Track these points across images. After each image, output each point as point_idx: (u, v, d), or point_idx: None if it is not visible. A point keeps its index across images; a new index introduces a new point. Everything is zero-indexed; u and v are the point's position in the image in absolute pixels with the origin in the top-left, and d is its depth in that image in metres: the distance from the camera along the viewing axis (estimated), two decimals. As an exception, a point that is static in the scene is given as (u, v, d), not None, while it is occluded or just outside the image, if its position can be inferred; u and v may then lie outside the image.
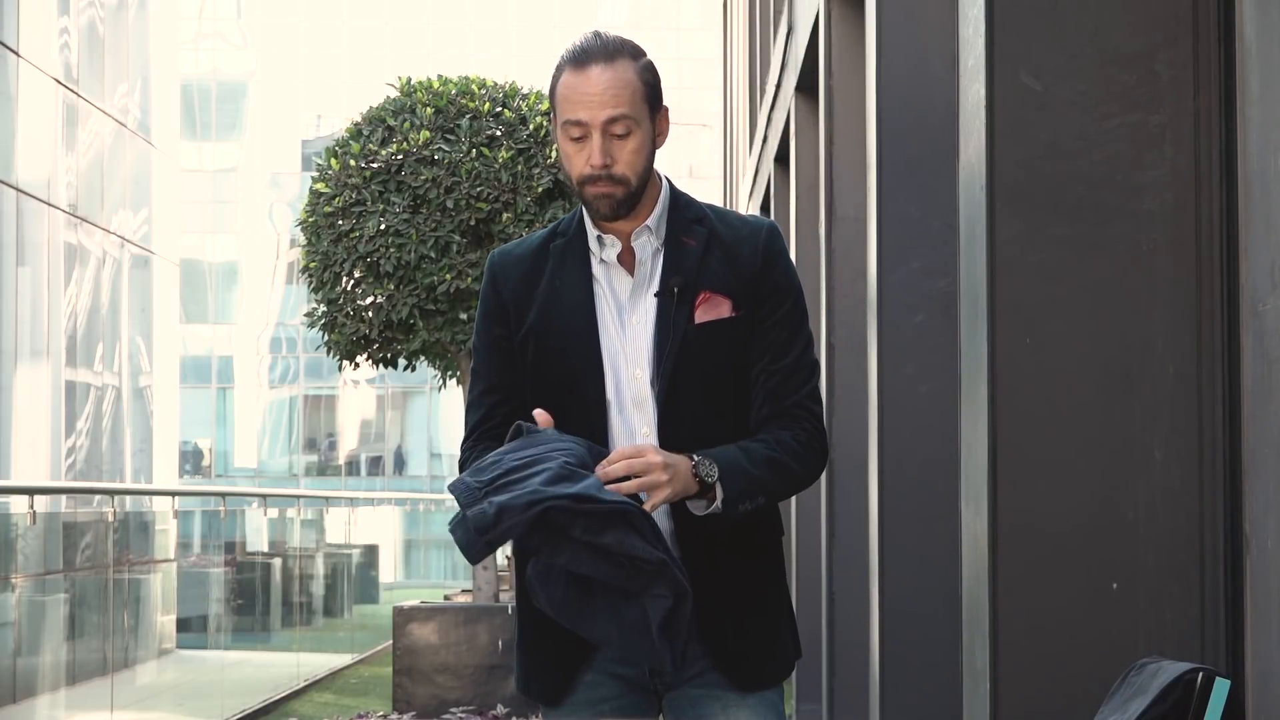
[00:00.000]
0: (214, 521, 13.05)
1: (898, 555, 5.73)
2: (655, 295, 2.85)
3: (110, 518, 10.06)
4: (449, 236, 9.29)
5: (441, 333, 9.47)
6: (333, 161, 9.67)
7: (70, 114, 18.45)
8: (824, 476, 6.99)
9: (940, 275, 5.78)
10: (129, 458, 20.29)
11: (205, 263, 47.80)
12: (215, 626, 12.64)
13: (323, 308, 9.73)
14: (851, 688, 7.12)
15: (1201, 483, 3.41)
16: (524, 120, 9.53)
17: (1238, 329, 3.32)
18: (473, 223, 9.33)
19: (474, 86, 9.73)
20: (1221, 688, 2.53)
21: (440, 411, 48.01)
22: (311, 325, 9.93)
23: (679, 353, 2.82)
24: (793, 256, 3.45)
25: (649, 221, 2.87)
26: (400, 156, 9.43)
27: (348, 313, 9.56)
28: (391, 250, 9.31)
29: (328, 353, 9.98)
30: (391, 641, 9.87)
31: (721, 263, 2.87)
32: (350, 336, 9.63)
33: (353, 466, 49.24)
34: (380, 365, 9.92)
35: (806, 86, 9.38)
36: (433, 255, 9.29)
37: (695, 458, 2.75)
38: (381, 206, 9.37)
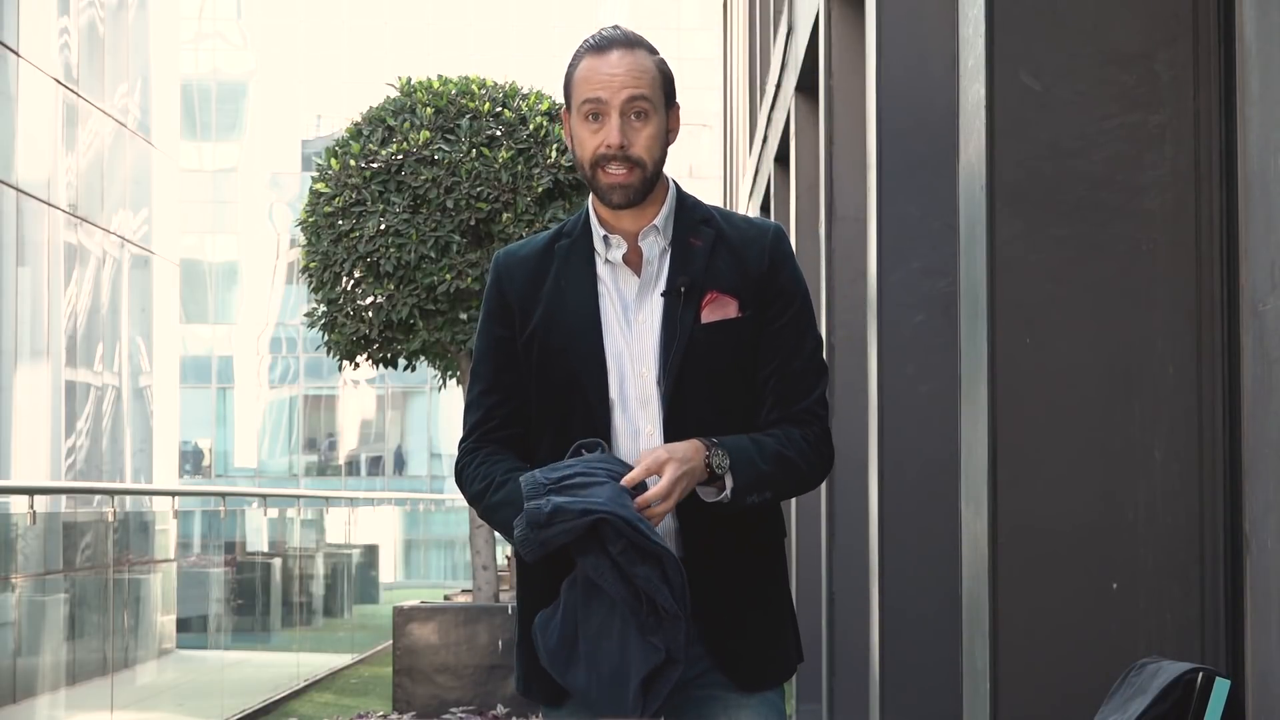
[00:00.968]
0: (214, 521, 13.05)
1: (898, 555, 5.73)
2: (662, 295, 2.85)
3: (110, 518, 10.06)
4: (449, 236, 9.29)
5: (441, 333, 9.47)
6: (333, 161, 9.67)
7: (70, 114, 18.46)
8: (824, 476, 6.98)
9: (940, 275, 5.78)
10: (129, 458, 20.29)
11: (205, 263, 47.80)
12: (215, 626, 12.64)
13: (323, 308, 9.73)
14: (851, 688, 7.12)
15: (1201, 483, 3.41)
16: (524, 120, 9.53)
17: (1238, 329, 3.32)
18: (473, 223, 9.33)
19: (474, 86, 9.72)
20: (1221, 688, 2.53)
21: (440, 411, 48.01)
22: (311, 325, 9.93)
23: (686, 352, 2.83)
24: (793, 256, 3.45)
25: (656, 221, 2.88)
26: (400, 156, 9.43)
27: (348, 313, 9.56)
28: (391, 250, 9.30)
29: (328, 353, 9.97)
30: (391, 641, 9.87)
31: (728, 263, 2.87)
32: (350, 336, 9.62)
33: (353, 466, 49.24)
34: (380, 365, 9.92)
35: (806, 86, 9.38)
36: (433, 255, 9.28)
37: (710, 448, 2.75)
38: (381, 206, 9.37)
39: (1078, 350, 3.46)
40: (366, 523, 19.97)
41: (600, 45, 2.85)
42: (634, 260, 2.89)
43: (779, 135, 11.40)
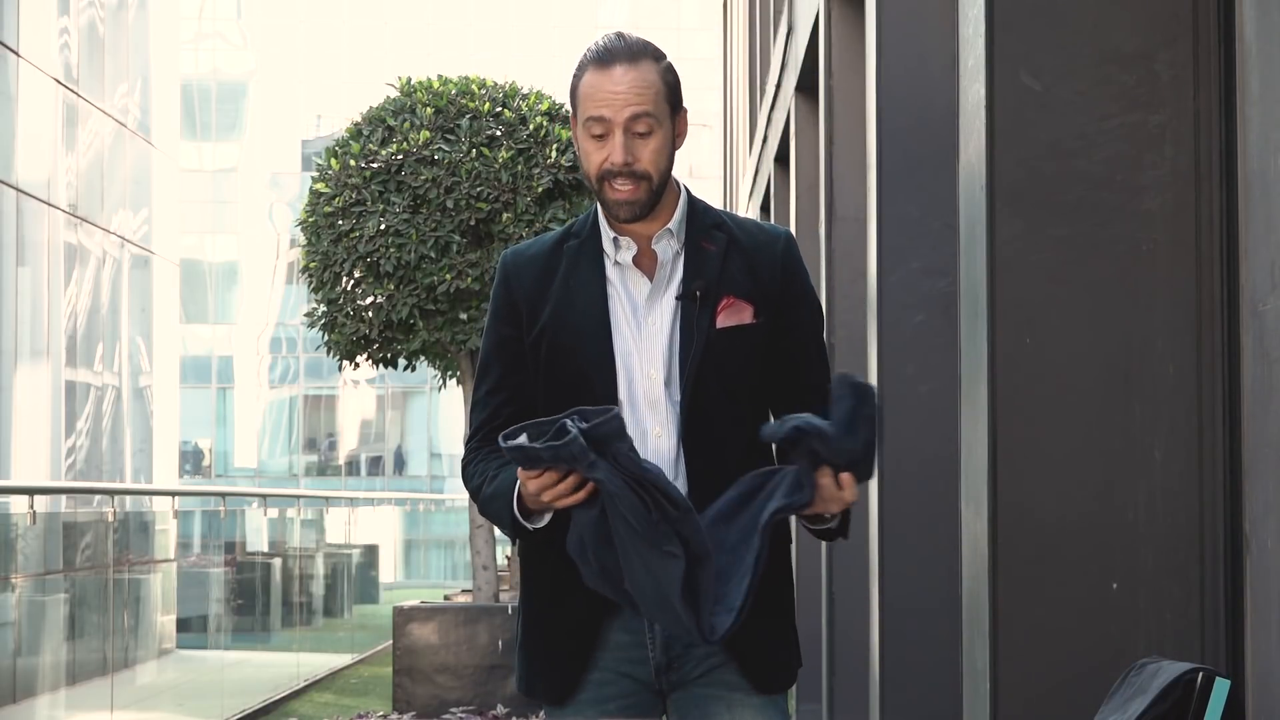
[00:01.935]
0: (214, 521, 13.05)
1: (898, 555, 5.73)
2: (678, 298, 2.86)
3: (110, 518, 10.06)
4: (449, 236, 9.29)
5: (441, 333, 9.47)
6: (333, 161, 9.67)
7: (70, 114, 18.46)
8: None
9: (940, 275, 5.78)
10: (129, 458, 20.29)
11: (205, 263, 47.79)
12: (215, 626, 12.64)
13: (323, 308, 9.73)
14: (851, 688, 7.12)
15: (1201, 483, 3.41)
16: (524, 120, 9.53)
17: (1238, 329, 3.32)
18: (473, 223, 9.33)
19: (474, 86, 9.72)
20: (1221, 688, 2.53)
21: (440, 411, 48.01)
22: (311, 325, 9.93)
23: (702, 356, 2.83)
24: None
25: (670, 224, 2.88)
26: (400, 156, 9.43)
27: (348, 313, 9.56)
28: (391, 250, 9.30)
29: (328, 353, 9.97)
30: (391, 641, 9.87)
31: (742, 269, 2.88)
32: (350, 336, 9.62)
33: (353, 466, 49.23)
34: (380, 365, 9.92)
35: (806, 86, 9.38)
36: (433, 255, 9.28)
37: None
38: (381, 206, 9.37)
39: (1078, 350, 3.46)
40: (366, 523, 19.98)
41: (603, 59, 2.82)
42: (643, 262, 2.89)
43: (779, 135, 11.40)
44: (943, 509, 5.53)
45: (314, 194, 9.71)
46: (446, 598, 11.19)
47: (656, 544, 2.64)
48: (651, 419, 2.85)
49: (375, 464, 49.18)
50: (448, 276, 9.30)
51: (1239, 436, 3.30)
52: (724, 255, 2.88)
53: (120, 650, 10.21)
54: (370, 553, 19.81)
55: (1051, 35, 3.50)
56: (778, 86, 11.30)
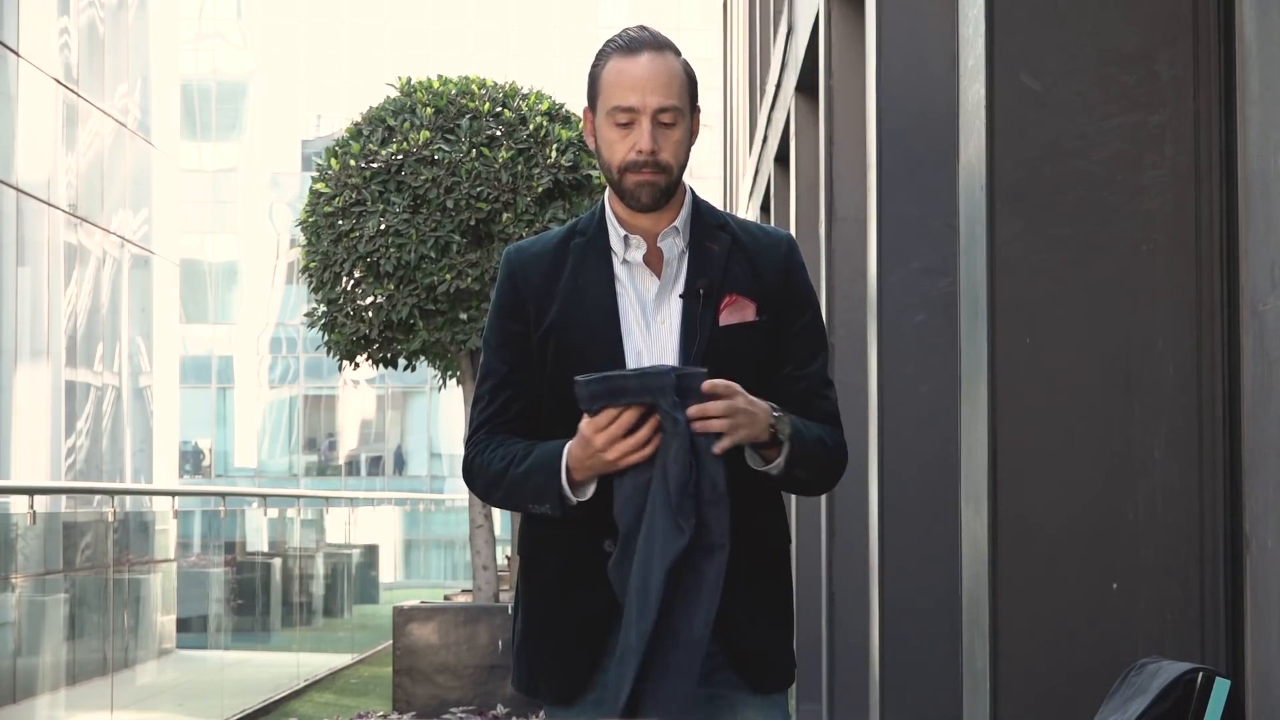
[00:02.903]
0: (214, 521, 13.05)
1: (898, 555, 5.73)
2: (680, 296, 2.86)
3: (110, 518, 10.06)
4: (449, 236, 9.29)
5: (441, 333, 9.47)
6: (333, 161, 9.67)
7: (70, 114, 18.46)
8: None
9: (940, 275, 5.79)
10: (129, 458, 20.30)
11: (205, 263, 47.80)
12: (215, 626, 12.64)
13: (323, 308, 9.73)
14: (851, 688, 7.12)
15: (1201, 483, 3.41)
16: (524, 120, 9.53)
17: (1238, 329, 3.32)
18: (473, 223, 9.33)
19: (474, 86, 9.72)
20: (1221, 688, 2.53)
21: (440, 411, 48.01)
22: (311, 325, 9.93)
23: (706, 353, 2.83)
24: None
25: (677, 223, 2.88)
26: (400, 156, 9.43)
27: (348, 313, 9.56)
28: (391, 250, 9.31)
29: (328, 353, 9.98)
30: (391, 641, 9.87)
31: (745, 269, 2.88)
32: (350, 336, 9.63)
33: (353, 466, 49.23)
34: (380, 365, 9.92)
35: (806, 86, 9.38)
36: (433, 255, 9.29)
37: (775, 411, 2.76)
38: (381, 206, 9.37)
39: (1078, 350, 3.46)
40: (366, 523, 19.98)
41: (630, 47, 2.83)
42: (652, 261, 2.89)
43: (779, 135, 11.40)
44: (943, 509, 5.53)
45: (314, 194, 9.71)
46: (446, 598, 11.19)
47: (675, 514, 2.65)
48: None
49: (375, 464, 49.18)
50: (448, 276, 9.30)
51: (1239, 436, 3.30)
52: (727, 255, 2.89)
53: (120, 650, 10.21)
54: (370, 553, 19.81)
55: (1051, 35, 3.50)
56: (778, 86, 11.30)
